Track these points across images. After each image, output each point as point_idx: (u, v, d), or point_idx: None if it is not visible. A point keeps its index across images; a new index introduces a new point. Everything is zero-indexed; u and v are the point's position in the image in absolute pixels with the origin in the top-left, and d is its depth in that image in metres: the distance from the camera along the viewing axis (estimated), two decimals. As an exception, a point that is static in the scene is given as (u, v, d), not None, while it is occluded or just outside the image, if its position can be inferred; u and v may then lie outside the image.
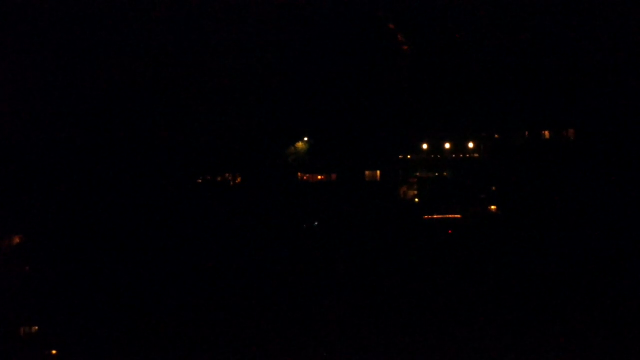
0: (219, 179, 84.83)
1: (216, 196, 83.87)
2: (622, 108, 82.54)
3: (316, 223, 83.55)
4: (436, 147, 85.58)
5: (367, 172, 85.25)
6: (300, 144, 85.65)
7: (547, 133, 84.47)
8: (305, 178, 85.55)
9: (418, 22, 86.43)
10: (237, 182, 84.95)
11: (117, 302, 79.96)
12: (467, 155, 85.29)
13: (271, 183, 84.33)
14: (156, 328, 79.01)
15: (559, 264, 79.90)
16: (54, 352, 79.14)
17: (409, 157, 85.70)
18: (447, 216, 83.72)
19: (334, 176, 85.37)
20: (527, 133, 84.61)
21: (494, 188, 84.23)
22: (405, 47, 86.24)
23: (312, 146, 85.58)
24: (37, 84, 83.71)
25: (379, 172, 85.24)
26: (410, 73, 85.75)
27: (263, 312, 79.09)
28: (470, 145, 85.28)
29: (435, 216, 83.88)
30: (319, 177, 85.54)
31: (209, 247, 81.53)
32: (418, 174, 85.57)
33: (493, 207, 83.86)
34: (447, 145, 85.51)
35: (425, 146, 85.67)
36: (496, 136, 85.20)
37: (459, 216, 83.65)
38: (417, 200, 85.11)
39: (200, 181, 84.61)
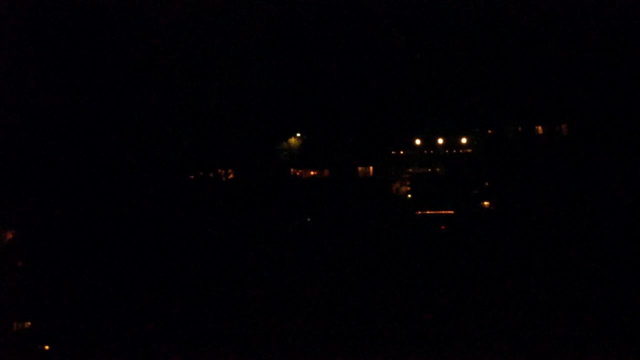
0: (211, 174, 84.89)
1: (208, 192, 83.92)
2: (614, 103, 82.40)
3: (309, 219, 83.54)
4: (429, 142, 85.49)
5: (359, 168, 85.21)
6: (292, 140, 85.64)
7: (539, 128, 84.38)
8: (297, 174, 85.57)
9: (410, 19, 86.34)
10: (229, 177, 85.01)
11: (110, 298, 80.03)
12: (460, 151, 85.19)
13: (263, 179, 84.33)
14: (148, 323, 79.09)
15: (551, 259, 79.76)
16: (47, 347, 79.24)
17: (401, 152, 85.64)
18: (440, 212, 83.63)
19: (326, 172, 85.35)
20: (519, 128, 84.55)
21: (486, 184, 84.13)
22: (399, 43, 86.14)
23: (304, 142, 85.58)
24: (27, 78, 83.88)
25: (371, 167, 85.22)
26: (403, 69, 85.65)
27: (254, 307, 79.12)
28: (463, 140, 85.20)
29: (427, 212, 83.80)
30: (312, 173, 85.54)
31: (201, 243, 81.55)
32: (411, 170, 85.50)
33: (486, 203, 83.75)
34: (440, 141, 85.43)
35: (417, 142, 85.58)
36: (489, 132, 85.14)
37: (451, 212, 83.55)
38: (409, 196, 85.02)
39: (192, 177, 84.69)
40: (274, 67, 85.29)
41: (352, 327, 78.65)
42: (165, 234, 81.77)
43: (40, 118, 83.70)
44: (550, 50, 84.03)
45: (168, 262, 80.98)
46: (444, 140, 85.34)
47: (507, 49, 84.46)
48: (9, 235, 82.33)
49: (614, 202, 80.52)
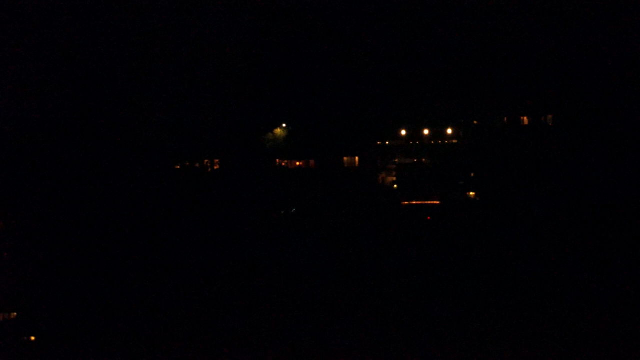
0: (197, 165, 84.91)
1: (194, 182, 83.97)
2: (600, 93, 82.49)
3: (294, 209, 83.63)
4: (414, 133, 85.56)
5: (345, 158, 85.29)
6: (278, 130, 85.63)
7: (525, 119, 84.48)
8: (283, 164, 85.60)
9: (395, 9, 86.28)
10: (214, 168, 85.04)
11: (96, 288, 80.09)
12: (446, 142, 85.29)
13: (249, 169, 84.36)
14: (135, 314, 79.16)
15: (537, 250, 79.99)
16: (33, 338, 79.25)
17: (387, 143, 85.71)
18: (426, 202, 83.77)
19: (312, 162, 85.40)
20: (505, 119, 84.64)
21: (472, 174, 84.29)
22: (383, 33, 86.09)
23: (290, 132, 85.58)
24: (14, 74, 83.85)
25: (357, 158, 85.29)
26: (389, 59, 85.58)
27: (240, 298, 79.23)
28: (449, 131, 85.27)
29: (414, 202, 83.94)
30: (297, 163, 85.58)
31: (187, 234, 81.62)
32: (396, 160, 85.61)
33: (472, 193, 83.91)
34: (426, 132, 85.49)
35: (403, 132, 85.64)
36: (475, 122, 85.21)
37: (437, 202, 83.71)
38: (395, 186, 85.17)
39: (178, 167, 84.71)
40: (259, 57, 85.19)
41: (336, 317, 78.78)
42: (150, 224, 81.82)
43: (21, 109, 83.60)
44: (536, 40, 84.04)
45: (152, 253, 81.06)
46: (430, 131, 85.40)
47: (493, 39, 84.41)
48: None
49: (601, 192, 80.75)
